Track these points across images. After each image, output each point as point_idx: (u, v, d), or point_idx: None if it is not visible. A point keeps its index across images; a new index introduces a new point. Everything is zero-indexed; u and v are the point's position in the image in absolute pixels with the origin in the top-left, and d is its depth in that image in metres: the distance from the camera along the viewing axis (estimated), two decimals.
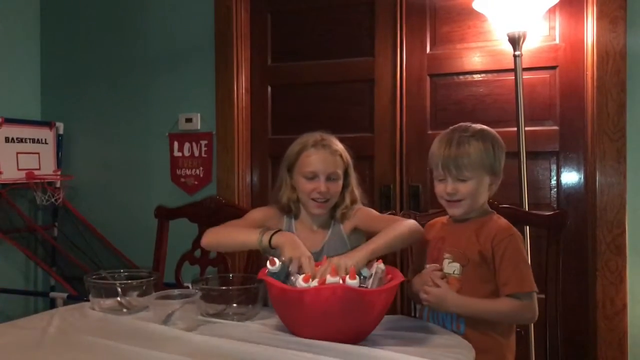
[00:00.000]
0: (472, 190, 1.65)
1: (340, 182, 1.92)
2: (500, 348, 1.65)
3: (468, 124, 1.72)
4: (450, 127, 1.74)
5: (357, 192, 1.98)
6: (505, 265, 1.61)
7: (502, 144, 1.71)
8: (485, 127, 1.72)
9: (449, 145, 1.65)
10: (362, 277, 1.49)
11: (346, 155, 1.94)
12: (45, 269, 3.16)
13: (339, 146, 1.93)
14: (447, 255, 1.68)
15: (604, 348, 2.42)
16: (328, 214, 1.96)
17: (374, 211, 1.97)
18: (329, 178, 1.88)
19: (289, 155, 1.95)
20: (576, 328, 2.48)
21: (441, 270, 1.67)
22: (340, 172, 1.91)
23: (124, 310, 1.72)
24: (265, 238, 1.73)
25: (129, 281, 1.78)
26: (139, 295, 1.74)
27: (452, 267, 1.66)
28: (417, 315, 1.85)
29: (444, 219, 1.80)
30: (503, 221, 1.71)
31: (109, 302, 1.74)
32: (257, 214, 2.01)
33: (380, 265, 1.53)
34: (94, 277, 1.78)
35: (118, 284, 1.75)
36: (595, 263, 2.44)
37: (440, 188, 1.69)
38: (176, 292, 1.65)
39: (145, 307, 1.71)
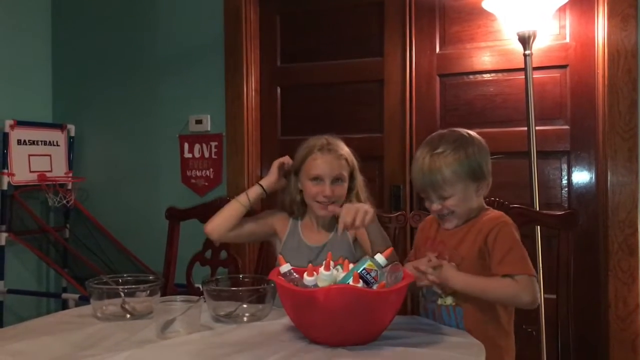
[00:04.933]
0: (457, 203, 1.64)
1: (346, 185, 1.96)
2: (499, 351, 1.63)
3: (440, 134, 1.69)
4: (425, 140, 1.71)
5: (364, 195, 2.01)
6: (498, 249, 1.58)
7: (480, 146, 1.66)
8: (460, 134, 1.68)
9: (421, 168, 1.64)
10: (379, 268, 1.48)
11: (352, 158, 1.99)
12: (57, 270, 3.18)
13: (344, 150, 1.98)
14: (445, 257, 1.66)
15: (617, 348, 2.41)
16: (333, 216, 1.99)
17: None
18: (334, 181, 1.93)
19: (296, 159, 2.00)
20: (588, 328, 2.47)
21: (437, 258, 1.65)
22: (345, 174, 1.95)
23: (128, 316, 1.67)
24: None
25: (133, 286, 1.75)
26: (144, 301, 1.69)
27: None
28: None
29: None
30: (494, 212, 1.69)
31: (112, 308, 1.69)
32: (266, 212, 2.12)
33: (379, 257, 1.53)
34: (95, 282, 1.73)
35: (121, 289, 1.71)
36: (607, 263, 2.42)
37: (428, 206, 1.70)
38: (179, 297, 1.65)
39: (150, 312, 1.66)
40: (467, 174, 1.62)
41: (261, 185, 2.01)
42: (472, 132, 1.70)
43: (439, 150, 1.63)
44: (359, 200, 1.99)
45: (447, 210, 1.65)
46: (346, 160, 1.96)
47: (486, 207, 1.73)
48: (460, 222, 1.68)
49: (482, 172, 1.65)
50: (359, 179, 2.01)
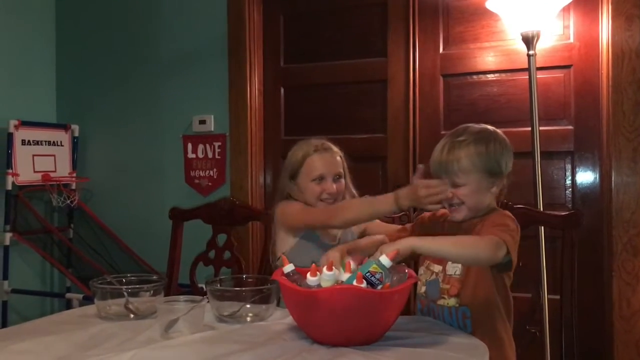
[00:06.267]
0: (468, 194, 1.63)
1: (344, 181, 2.01)
2: (503, 346, 1.63)
3: (467, 126, 1.69)
4: (451, 131, 1.72)
5: (353, 190, 2.06)
6: (489, 223, 1.58)
7: (503, 143, 1.67)
8: (485, 128, 1.69)
9: (441, 152, 1.65)
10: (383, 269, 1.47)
11: (343, 156, 2.04)
12: (61, 270, 3.19)
13: (336, 148, 2.04)
14: None
15: (621, 349, 2.40)
16: None
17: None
18: (335, 178, 1.98)
19: (292, 163, 2.02)
20: (592, 329, 2.46)
21: None
22: (342, 171, 2.01)
23: (131, 316, 1.67)
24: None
25: (137, 286, 1.74)
26: (147, 301, 1.69)
27: (453, 268, 1.64)
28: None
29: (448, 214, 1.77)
30: (503, 211, 1.69)
31: (115, 307, 1.68)
32: (299, 204, 2.03)
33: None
34: (99, 281, 1.72)
35: (125, 289, 1.70)
36: (611, 264, 2.42)
37: None
38: (183, 297, 1.64)
39: (153, 312, 1.66)
40: (483, 167, 1.63)
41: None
42: (498, 130, 1.70)
43: (461, 138, 1.64)
44: (351, 196, 2.03)
45: (458, 199, 1.65)
46: (340, 157, 2.02)
47: (497, 208, 1.72)
48: (469, 216, 1.67)
49: (500, 169, 1.65)
50: (348, 175, 2.06)
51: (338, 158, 2.01)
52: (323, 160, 1.97)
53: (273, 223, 2.09)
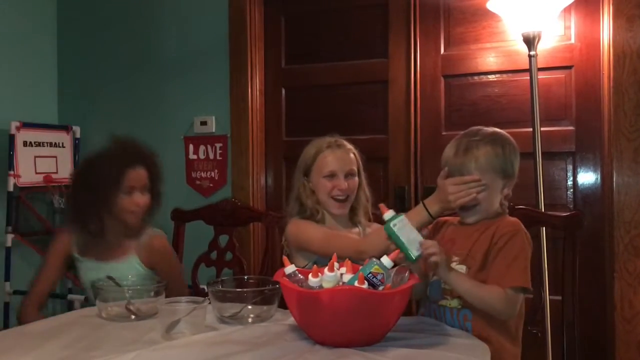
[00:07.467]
0: (484, 195, 1.63)
1: (357, 179, 2.02)
2: (503, 352, 1.61)
3: (479, 127, 1.71)
4: (463, 132, 1.73)
5: (367, 191, 2.08)
6: (502, 257, 1.58)
7: (514, 146, 1.68)
8: (497, 130, 1.71)
9: (457, 151, 1.66)
10: (385, 270, 1.47)
11: (357, 154, 2.06)
12: None
13: (350, 145, 2.05)
14: (455, 257, 1.66)
15: (623, 350, 2.40)
16: (347, 215, 2.05)
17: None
18: (347, 175, 1.99)
19: (305, 160, 2.04)
20: (593, 330, 2.46)
21: None
22: (355, 169, 2.02)
23: (133, 317, 1.68)
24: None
25: (139, 287, 1.76)
26: (149, 302, 1.70)
27: (459, 270, 1.64)
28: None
29: (454, 219, 1.77)
30: (511, 218, 1.69)
31: (116, 308, 1.70)
32: (318, 227, 2.01)
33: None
34: (100, 282, 1.74)
35: (126, 290, 1.72)
36: (613, 264, 2.41)
37: None
38: (184, 298, 1.65)
39: (155, 313, 1.67)
40: (499, 168, 1.64)
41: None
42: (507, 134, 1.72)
43: (477, 138, 1.65)
44: (366, 196, 2.05)
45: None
46: (354, 154, 2.03)
47: (504, 211, 1.72)
48: (480, 218, 1.67)
49: (513, 171, 1.67)
50: (363, 175, 2.06)
51: (351, 155, 2.02)
52: (335, 157, 1.99)
53: (284, 239, 2.06)
